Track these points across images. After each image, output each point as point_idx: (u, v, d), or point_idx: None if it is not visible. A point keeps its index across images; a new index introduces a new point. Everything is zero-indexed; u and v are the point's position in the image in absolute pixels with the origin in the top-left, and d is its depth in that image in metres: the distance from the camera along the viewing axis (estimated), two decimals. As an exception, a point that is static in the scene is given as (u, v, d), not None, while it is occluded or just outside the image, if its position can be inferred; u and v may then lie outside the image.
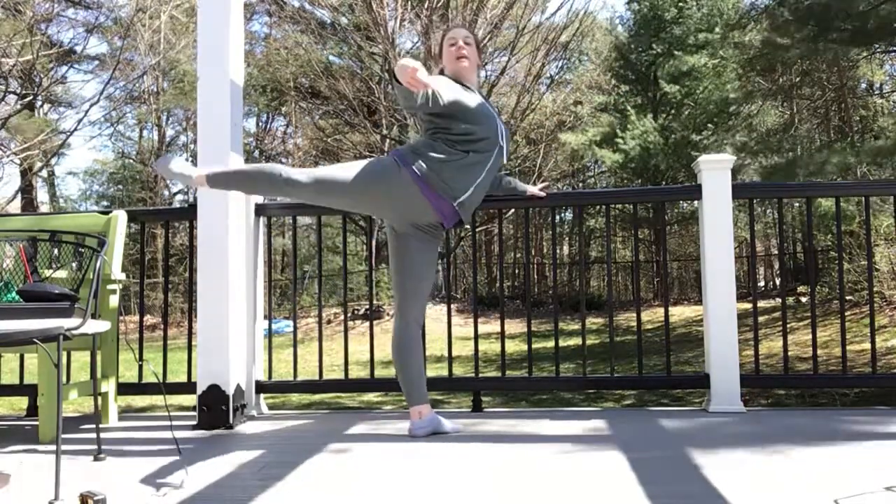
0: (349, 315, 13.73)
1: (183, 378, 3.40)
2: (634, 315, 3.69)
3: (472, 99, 2.63)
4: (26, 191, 20.49)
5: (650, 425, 2.81)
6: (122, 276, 3.02)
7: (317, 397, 6.67)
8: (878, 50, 12.49)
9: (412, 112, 2.70)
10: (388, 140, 18.08)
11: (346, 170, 2.58)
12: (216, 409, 2.90)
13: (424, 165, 2.53)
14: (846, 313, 3.73)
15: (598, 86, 22.95)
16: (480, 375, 3.47)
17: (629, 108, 19.66)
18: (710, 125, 18.68)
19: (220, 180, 2.69)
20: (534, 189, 3.14)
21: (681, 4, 19.85)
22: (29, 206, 20.90)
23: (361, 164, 2.59)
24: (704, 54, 18.62)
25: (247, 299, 3.18)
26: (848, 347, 3.29)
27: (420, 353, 2.72)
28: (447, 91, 2.56)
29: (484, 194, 2.72)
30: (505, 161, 2.78)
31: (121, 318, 3.14)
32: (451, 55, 2.74)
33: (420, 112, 2.61)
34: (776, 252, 23.93)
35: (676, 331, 13.15)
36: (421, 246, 2.69)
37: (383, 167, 2.58)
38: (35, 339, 2.03)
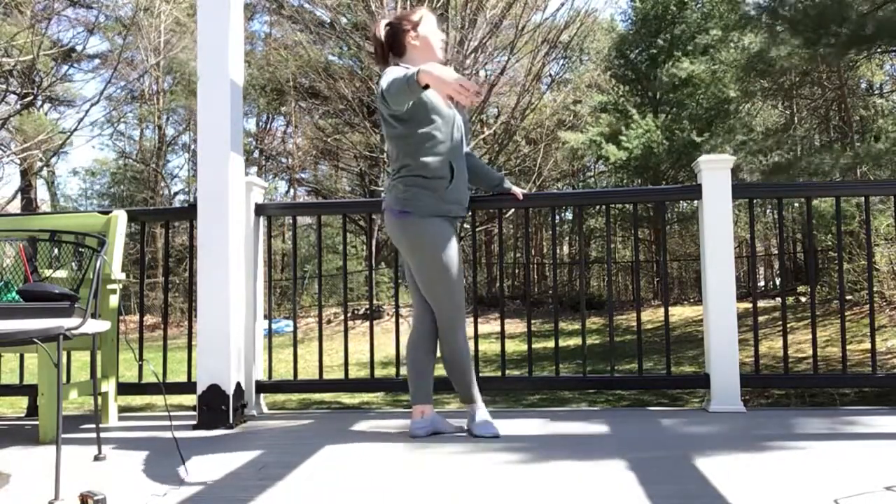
0: (349, 315, 13.73)
1: (183, 378, 3.40)
2: (634, 315, 3.69)
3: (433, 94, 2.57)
4: (26, 190, 20.50)
5: (650, 425, 2.81)
6: (122, 276, 3.02)
7: (317, 397, 6.68)
8: (879, 51, 12.48)
9: (396, 119, 2.57)
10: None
11: (451, 271, 2.58)
12: (216, 409, 2.91)
13: (438, 205, 2.57)
14: (846, 313, 3.73)
15: (598, 85, 22.94)
16: (481, 375, 3.46)
17: (630, 107, 19.67)
18: (710, 125, 18.68)
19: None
20: (516, 189, 3.09)
21: (682, 3, 19.86)
22: (29, 205, 20.91)
23: (445, 255, 2.56)
24: (704, 56, 18.61)
25: (247, 299, 3.18)
26: (848, 347, 3.29)
27: (433, 354, 2.71)
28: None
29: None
30: (466, 144, 2.74)
31: (121, 318, 3.14)
32: (436, 49, 2.67)
33: (393, 118, 2.55)
34: (776, 252, 23.93)
35: (676, 331, 13.15)
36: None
37: (446, 235, 2.58)
38: (35, 339, 2.03)
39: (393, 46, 2.69)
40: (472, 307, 3.43)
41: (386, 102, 2.40)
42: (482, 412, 2.68)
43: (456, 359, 2.66)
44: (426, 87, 2.25)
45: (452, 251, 2.59)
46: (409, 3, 15.17)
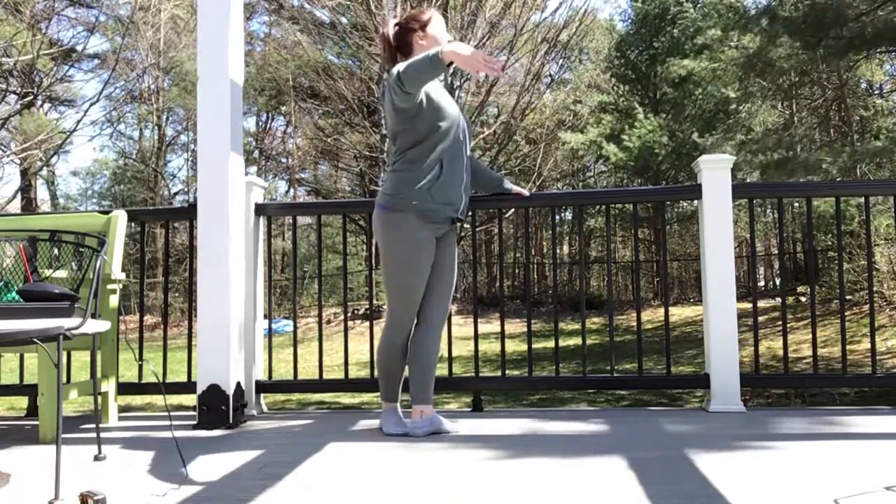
0: (349, 315, 13.73)
1: (183, 378, 3.40)
2: (634, 315, 3.69)
3: (442, 93, 2.60)
4: (26, 190, 20.51)
5: (650, 425, 2.81)
6: (122, 276, 3.02)
7: (317, 397, 6.68)
8: (879, 51, 12.46)
9: (405, 115, 2.54)
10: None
11: (405, 277, 2.60)
12: (216, 409, 2.91)
13: (420, 201, 2.53)
14: (846, 313, 3.73)
15: (597, 85, 22.95)
16: (480, 375, 3.47)
17: (636, 105, 19.68)
18: (710, 125, 18.69)
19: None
20: (517, 188, 3.10)
21: (682, 3, 19.87)
22: (29, 205, 20.92)
23: (405, 259, 2.57)
24: (704, 56, 18.62)
25: (247, 299, 3.18)
26: (848, 347, 3.29)
27: (433, 355, 2.71)
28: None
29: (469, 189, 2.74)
30: (468, 147, 2.73)
31: (121, 318, 3.14)
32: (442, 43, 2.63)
33: (403, 113, 2.52)
34: (776, 252, 23.93)
35: (676, 331, 13.15)
36: (440, 247, 2.69)
37: (416, 239, 2.56)
38: (35, 339, 2.03)
39: (400, 46, 2.67)
40: (472, 307, 3.43)
41: (401, 84, 2.38)
42: (393, 415, 2.76)
43: (380, 359, 2.74)
44: (450, 64, 2.27)
45: (415, 256, 2.57)
46: (409, 3, 15.18)
